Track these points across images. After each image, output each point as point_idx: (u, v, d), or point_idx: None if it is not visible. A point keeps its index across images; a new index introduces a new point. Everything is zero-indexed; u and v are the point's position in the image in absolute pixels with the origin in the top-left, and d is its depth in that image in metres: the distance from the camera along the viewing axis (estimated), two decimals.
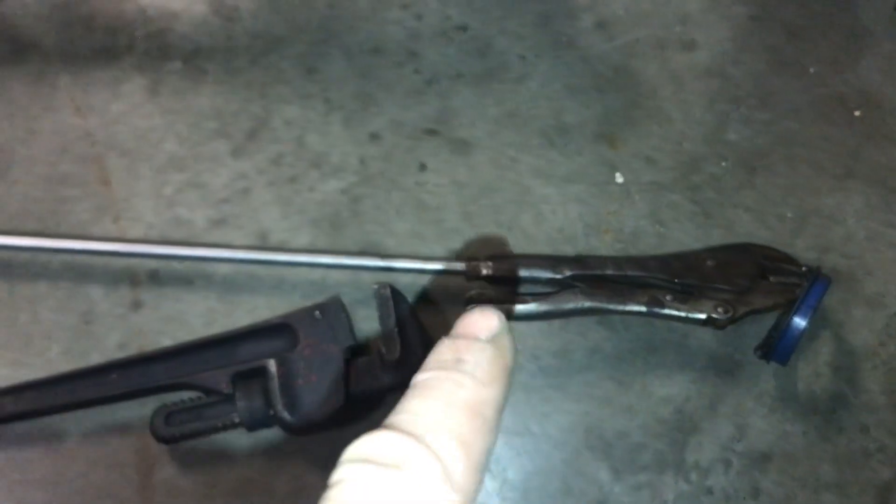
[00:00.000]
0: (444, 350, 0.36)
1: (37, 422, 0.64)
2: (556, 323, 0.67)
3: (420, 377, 0.35)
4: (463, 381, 0.34)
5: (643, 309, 0.63)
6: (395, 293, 0.64)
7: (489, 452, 0.34)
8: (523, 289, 0.64)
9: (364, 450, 0.32)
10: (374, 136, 0.72)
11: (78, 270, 0.68)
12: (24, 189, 0.70)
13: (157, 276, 0.68)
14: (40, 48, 0.74)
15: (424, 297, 0.68)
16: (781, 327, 0.62)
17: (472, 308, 0.38)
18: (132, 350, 0.66)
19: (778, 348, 0.63)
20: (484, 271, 0.64)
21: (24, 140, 0.72)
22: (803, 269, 0.66)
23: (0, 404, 0.63)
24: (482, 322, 0.38)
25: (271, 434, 0.63)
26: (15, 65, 0.73)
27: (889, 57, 0.75)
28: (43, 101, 0.73)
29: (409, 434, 0.32)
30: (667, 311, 0.63)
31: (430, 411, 0.33)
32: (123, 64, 0.74)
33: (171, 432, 0.62)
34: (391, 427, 0.32)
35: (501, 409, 0.35)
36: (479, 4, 0.75)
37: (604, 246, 0.69)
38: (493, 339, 0.37)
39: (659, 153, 0.72)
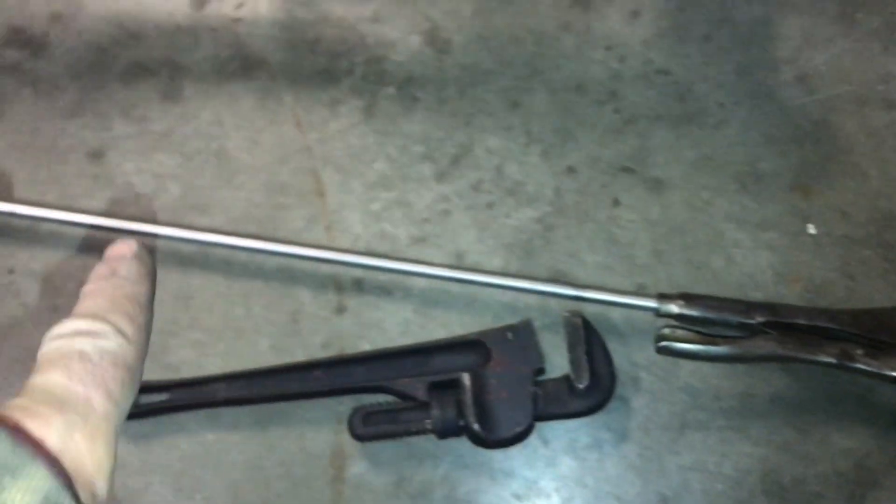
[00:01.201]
0: (100, 268, 0.52)
1: (243, 409, 0.70)
2: (740, 367, 0.68)
3: (87, 287, 0.50)
4: (121, 283, 0.50)
5: (833, 361, 0.64)
6: (586, 322, 0.67)
7: (147, 326, 0.50)
8: (713, 330, 0.66)
9: (58, 330, 0.46)
10: (571, 170, 0.75)
11: (289, 273, 0.74)
12: (246, 194, 0.77)
13: (361, 285, 0.73)
14: (268, 66, 0.81)
15: (611, 328, 0.70)
16: None
17: (116, 240, 0.54)
18: (334, 351, 0.72)
19: None
20: (675, 309, 0.66)
21: (249, 149, 0.78)
22: None
23: (213, 389, 0.70)
24: (125, 247, 0.53)
25: (457, 444, 0.67)
26: (245, 80, 0.80)
27: None
28: (268, 115, 0.79)
29: (89, 315, 0.47)
30: (857, 366, 0.63)
31: (101, 303, 0.48)
32: (342, 86, 0.79)
33: (366, 431, 0.67)
34: (75, 314, 0.47)
35: (151, 299, 0.52)
36: (682, 51, 0.78)
37: (792, 295, 0.70)
38: (135, 256, 0.53)
39: (853, 208, 0.72)
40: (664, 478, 0.67)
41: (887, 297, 0.70)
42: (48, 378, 0.43)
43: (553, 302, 0.71)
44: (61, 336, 0.46)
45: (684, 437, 0.68)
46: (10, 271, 0.75)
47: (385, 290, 0.73)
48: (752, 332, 0.66)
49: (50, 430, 0.41)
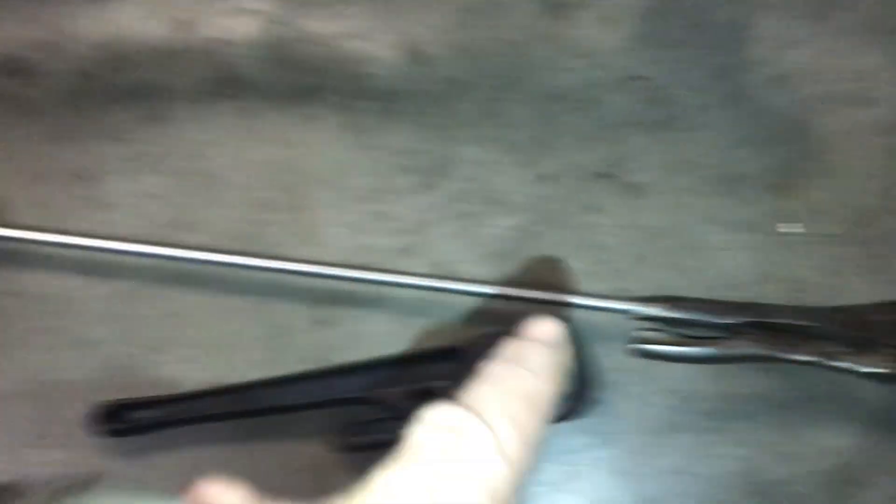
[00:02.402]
0: (508, 347, 0.43)
1: (229, 424, 0.71)
2: (722, 367, 0.68)
3: (489, 366, 0.42)
4: (523, 374, 0.41)
5: (813, 359, 0.64)
6: (569, 329, 0.67)
7: (540, 440, 0.39)
8: (694, 332, 0.66)
9: (434, 417, 0.38)
10: (550, 178, 0.76)
11: (273, 288, 0.75)
12: (231, 212, 0.78)
13: (343, 297, 0.74)
14: (252, 85, 0.82)
15: (594, 334, 0.70)
16: None
17: (535, 316, 0.46)
18: (315, 364, 0.72)
19: None
20: (655, 312, 0.67)
21: (233, 167, 0.79)
22: None
23: (201, 405, 0.70)
24: (544, 327, 0.45)
25: None
26: (229, 99, 0.81)
27: None
28: (252, 133, 0.80)
29: (471, 409, 0.38)
30: (838, 363, 0.63)
31: (492, 395, 0.39)
32: (323, 102, 0.80)
33: (350, 443, 0.67)
34: (455, 401, 0.39)
35: (553, 405, 0.42)
36: (657, 56, 0.78)
37: (774, 294, 0.70)
38: (552, 344, 0.44)
39: (834, 206, 0.73)
40: (648, 481, 0.67)
41: (868, 294, 0.69)
42: (406, 481, 0.36)
43: (537, 309, 0.71)
44: (425, 422, 0.38)
45: (668, 440, 0.68)
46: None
47: (367, 302, 0.74)
48: (732, 332, 0.66)
49: None
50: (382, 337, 0.73)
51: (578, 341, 0.66)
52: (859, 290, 0.70)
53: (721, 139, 0.75)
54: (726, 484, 0.66)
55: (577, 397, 0.65)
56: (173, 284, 0.76)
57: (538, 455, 0.39)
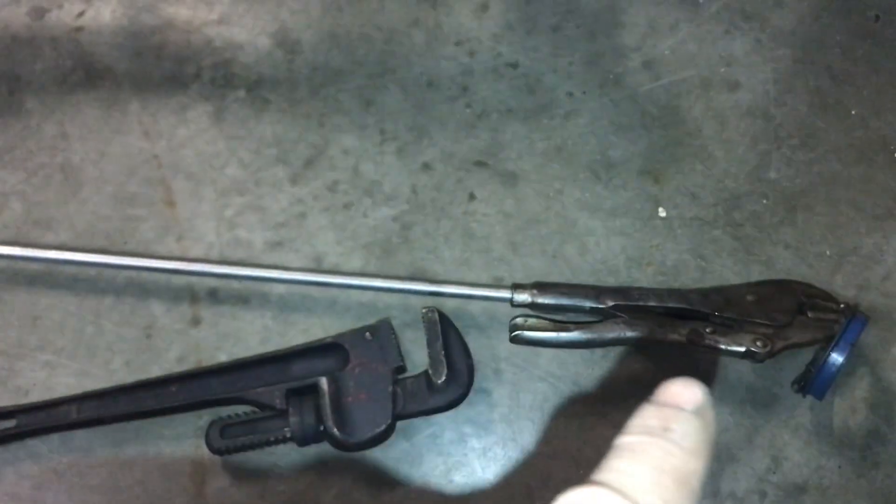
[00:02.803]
0: (650, 416, 0.36)
1: (98, 430, 0.67)
2: (598, 352, 0.69)
3: (627, 439, 0.35)
4: (671, 449, 0.34)
5: (683, 340, 0.65)
6: (443, 318, 0.67)
7: None
8: (566, 317, 0.67)
9: (582, 497, 0.32)
10: (426, 167, 0.75)
11: (141, 286, 0.72)
12: (93, 207, 0.74)
13: (216, 295, 0.72)
14: (113, 75, 0.78)
15: (471, 322, 0.70)
16: (819, 362, 0.64)
17: (675, 378, 0.38)
18: (190, 364, 0.70)
19: (815, 383, 0.65)
20: (529, 298, 0.67)
21: (95, 161, 0.75)
22: (841, 306, 0.68)
23: (65, 412, 0.67)
24: (687, 392, 0.38)
25: (320, 449, 0.66)
26: (89, 90, 0.77)
27: None
28: (113, 124, 0.77)
29: (622, 493, 0.32)
30: (707, 343, 0.65)
31: (640, 474, 0.33)
32: (190, 91, 0.77)
33: (225, 444, 0.65)
34: (604, 484, 0.33)
35: (704, 483, 0.35)
36: (530, 43, 0.78)
37: (646, 278, 0.71)
38: (697, 410, 0.37)
39: (702, 190, 0.74)
40: (528, 468, 0.67)
41: (737, 275, 0.71)
42: None
43: (413, 299, 0.71)
44: None
45: (547, 426, 0.68)
46: None
47: (242, 299, 0.72)
48: (605, 316, 0.67)
49: None
50: (259, 334, 0.71)
51: (452, 330, 0.66)
52: (728, 272, 0.72)
53: (593, 126, 0.76)
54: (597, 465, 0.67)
55: (454, 387, 0.65)
56: (32, 286, 0.72)
57: None
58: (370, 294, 0.71)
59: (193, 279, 0.71)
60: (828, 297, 0.69)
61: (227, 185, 0.75)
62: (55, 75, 0.78)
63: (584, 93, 0.77)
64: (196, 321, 0.71)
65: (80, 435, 0.67)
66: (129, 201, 0.74)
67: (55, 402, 0.67)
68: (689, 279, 0.71)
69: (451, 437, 0.68)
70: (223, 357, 0.70)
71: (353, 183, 0.75)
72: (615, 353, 0.69)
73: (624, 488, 0.32)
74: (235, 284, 0.71)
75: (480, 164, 0.75)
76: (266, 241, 0.73)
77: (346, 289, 0.71)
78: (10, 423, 0.66)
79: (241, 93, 0.77)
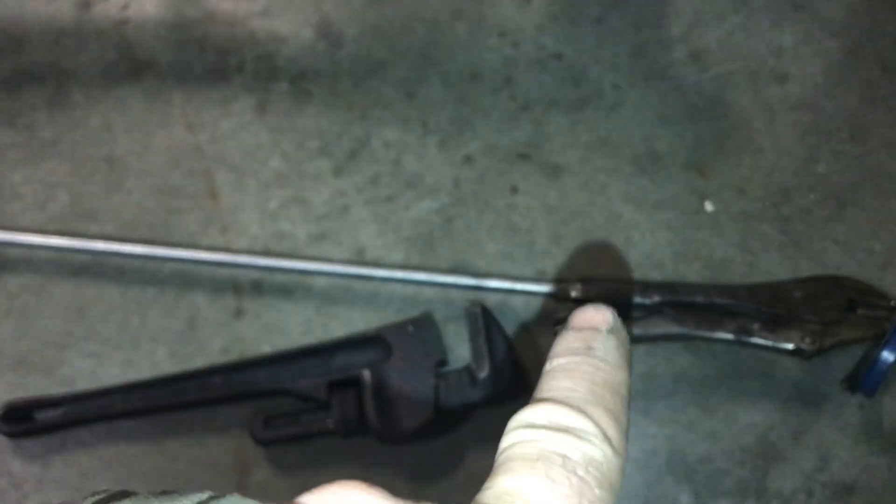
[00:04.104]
0: (572, 340, 0.40)
1: (143, 420, 0.68)
2: (642, 347, 0.68)
3: (557, 361, 0.38)
4: (598, 364, 0.38)
5: (731, 337, 0.64)
6: (486, 312, 0.66)
7: (627, 430, 0.37)
8: None
9: (532, 417, 0.35)
10: (468, 159, 0.75)
11: (185, 278, 0.72)
12: (137, 199, 0.74)
13: (260, 287, 0.72)
14: (157, 67, 0.78)
15: (514, 317, 0.69)
16: (869, 360, 0.63)
17: (586, 306, 0.42)
18: (234, 356, 0.70)
19: (865, 381, 0.63)
20: (573, 294, 0.66)
21: (140, 153, 0.76)
22: (892, 303, 0.66)
23: (110, 402, 0.68)
24: (599, 316, 0.41)
25: (363, 442, 0.66)
26: (133, 82, 0.78)
27: None
28: (157, 116, 0.77)
29: (568, 405, 0.35)
30: (755, 340, 0.64)
31: (578, 388, 0.36)
32: (233, 84, 0.78)
33: (268, 435, 0.66)
34: (550, 400, 0.35)
35: (630, 392, 0.39)
36: (575, 34, 0.78)
37: (692, 273, 0.70)
38: (611, 331, 0.41)
39: (749, 184, 0.73)
40: None
41: (785, 271, 0.70)
42: (524, 483, 0.33)
43: (455, 293, 0.70)
44: (535, 426, 0.35)
45: None
46: None
47: (285, 291, 0.72)
48: (651, 312, 0.66)
49: None
50: (301, 326, 0.71)
51: (494, 324, 0.66)
52: (776, 267, 0.70)
53: (638, 118, 0.75)
54: (650, 463, 0.66)
55: (496, 381, 0.65)
56: (78, 277, 0.72)
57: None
58: (412, 287, 0.71)
59: (237, 271, 0.72)
60: (878, 294, 0.68)
61: (271, 177, 0.75)
62: (101, 68, 0.79)
63: (630, 84, 0.76)
64: (239, 313, 0.71)
65: (125, 425, 0.68)
66: (172, 193, 0.75)
67: (101, 392, 0.68)
68: (736, 274, 0.70)
69: (494, 431, 0.67)
70: (266, 349, 0.70)
71: (395, 175, 0.75)
72: (659, 348, 0.69)
73: (569, 401, 0.35)
74: (278, 277, 0.72)
75: (523, 156, 0.74)
76: (309, 233, 0.73)
77: (388, 282, 0.71)
78: (57, 412, 0.67)
79: (285, 85, 0.77)
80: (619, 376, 0.38)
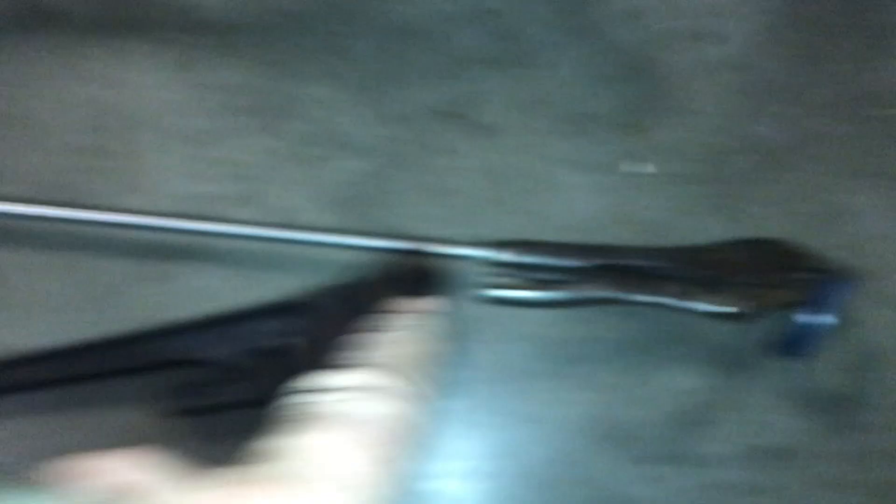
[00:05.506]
0: (396, 319, 0.47)
1: (58, 391, 0.65)
2: (581, 312, 0.67)
3: (378, 336, 0.45)
4: (414, 337, 0.46)
5: (668, 300, 0.63)
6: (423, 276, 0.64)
7: (437, 392, 0.44)
8: (549, 276, 0.65)
9: (352, 379, 0.41)
10: (403, 118, 0.72)
11: (104, 242, 0.68)
12: (55, 159, 0.71)
13: (184, 251, 0.69)
14: (73, 20, 0.74)
15: (448, 281, 0.68)
16: (800, 324, 0.62)
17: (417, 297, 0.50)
18: (147, 324, 0.67)
19: (797, 344, 0.63)
20: (510, 257, 0.64)
21: (56, 111, 0.72)
22: (827, 266, 0.66)
23: (9, 374, 0.64)
24: (421, 302, 0.49)
25: None
26: (46, 36, 0.73)
27: None
28: (74, 72, 0.73)
29: (369, 367, 0.41)
30: (692, 304, 0.63)
31: (386, 355, 0.43)
32: (155, 37, 0.73)
33: (185, 406, 0.63)
34: (354, 365, 0.42)
35: (438, 363, 0.46)
36: None
37: (630, 236, 0.69)
38: (436, 314, 0.49)
39: (688, 145, 0.72)
40: (509, 430, 0.66)
41: (723, 234, 0.69)
42: (309, 438, 0.36)
43: (385, 258, 0.68)
44: (348, 388, 0.40)
45: (528, 388, 0.67)
46: None
47: (211, 255, 0.69)
48: (584, 276, 0.64)
49: None
50: (230, 292, 0.68)
51: (434, 289, 0.64)
52: (714, 230, 0.70)
53: (575, 77, 0.73)
54: (580, 429, 0.66)
55: None
56: None
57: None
58: (347, 252, 0.68)
59: (161, 235, 0.68)
60: (813, 256, 0.67)
61: (188, 136, 0.71)
62: (10, 20, 0.74)
63: (567, 43, 0.74)
64: (164, 278, 0.68)
65: (29, 398, 0.65)
66: (92, 153, 0.71)
67: (7, 363, 0.64)
68: (675, 237, 0.69)
69: None
70: (181, 316, 0.66)
71: (326, 135, 0.72)
72: (597, 313, 0.67)
73: (370, 364, 0.42)
74: (205, 240, 0.68)
75: (459, 115, 0.72)
76: (236, 194, 0.70)
77: (313, 246, 0.68)
78: None
79: (210, 40, 0.74)
80: (431, 349, 0.45)
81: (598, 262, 0.64)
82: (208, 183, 0.70)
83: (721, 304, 0.63)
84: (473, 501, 0.65)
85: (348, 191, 0.70)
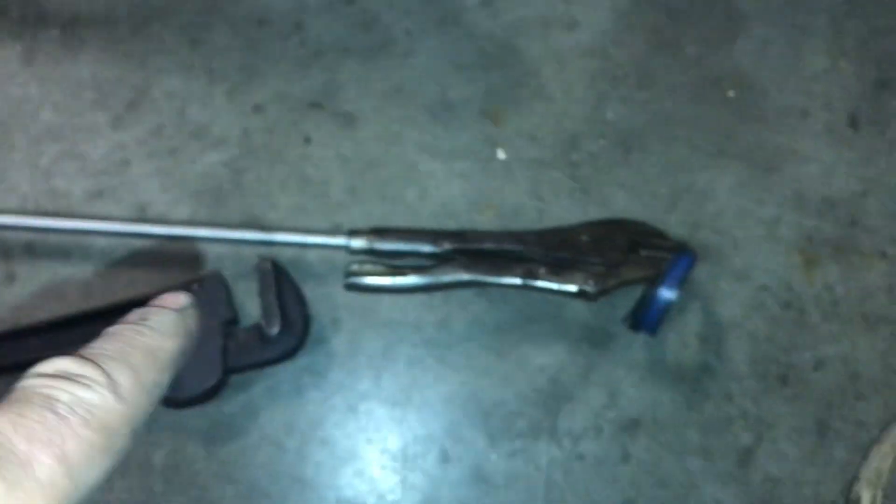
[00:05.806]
0: (132, 314, 0.46)
1: None
2: (438, 295, 0.68)
3: (109, 328, 0.44)
4: (143, 331, 0.44)
5: (518, 281, 0.65)
6: (277, 267, 0.64)
7: (161, 386, 0.43)
8: (405, 262, 0.65)
9: (47, 367, 0.39)
10: (258, 109, 0.72)
11: None
12: None
13: (33, 249, 0.67)
14: None
15: (308, 271, 0.68)
16: (648, 299, 0.65)
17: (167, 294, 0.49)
18: (6, 325, 0.65)
19: (646, 319, 0.66)
20: (366, 244, 0.65)
21: None
22: (673, 243, 0.69)
23: None
24: (170, 298, 0.48)
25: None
26: None
27: (762, 40, 0.78)
28: None
29: (83, 358, 0.40)
30: (540, 284, 0.65)
31: (108, 347, 0.41)
32: None
33: None
34: (78, 355, 0.40)
35: (176, 359, 0.45)
36: None
37: (485, 221, 0.71)
38: (180, 310, 0.47)
39: (540, 131, 0.73)
40: (369, 417, 0.67)
41: (574, 216, 0.71)
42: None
43: (247, 249, 0.68)
44: (40, 374, 0.38)
45: (386, 372, 0.67)
46: None
47: (61, 253, 0.67)
48: (441, 260, 0.66)
49: None
50: (80, 290, 0.67)
51: (286, 280, 0.64)
52: (566, 213, 0.72)
53: (432, 66, 0.74)
54: (446, 409, 0.67)
55: (288, 338, 0.63)
56: None
57: (157, 398, 0.42)
58: (201, 245, 0.68)
59: (6, 233, 0.66)
60: (660, 235, 0.70)
61: (42, 131, 0.69)
62: None
63: (423, 31, 0.75)
64: (10, 278, 0.66)
65: None
66: None
67: None
68: (528, 220, 0.71)
69: (288, 388, 0.66)
70: (42, 316, 0.65)
71: (179, 127, 0.71)
72: (454, 296, 0.69)
73: (92, 356, 0.40)
74: (53, 238, 0.67)
75: (316, 105, 0.72)
76: (85, 190, 0.69)
77: (174, 240, 0.67)
78: None
79: (55, 31, 0.71)
80: (163, 343, 0.44)
81: (451, 247, 0.65)
82: (57, 179, 0.68)
83: (567, 283, 0.65)
84: (333, 486, 0.66)
85: (203, 183, 0.70)
